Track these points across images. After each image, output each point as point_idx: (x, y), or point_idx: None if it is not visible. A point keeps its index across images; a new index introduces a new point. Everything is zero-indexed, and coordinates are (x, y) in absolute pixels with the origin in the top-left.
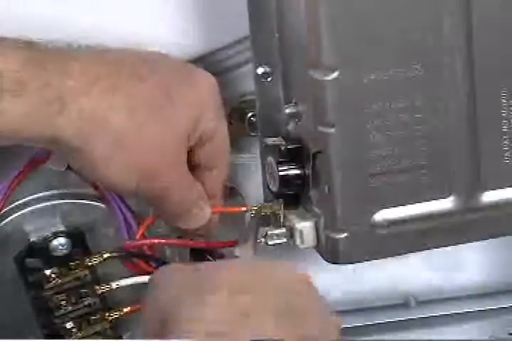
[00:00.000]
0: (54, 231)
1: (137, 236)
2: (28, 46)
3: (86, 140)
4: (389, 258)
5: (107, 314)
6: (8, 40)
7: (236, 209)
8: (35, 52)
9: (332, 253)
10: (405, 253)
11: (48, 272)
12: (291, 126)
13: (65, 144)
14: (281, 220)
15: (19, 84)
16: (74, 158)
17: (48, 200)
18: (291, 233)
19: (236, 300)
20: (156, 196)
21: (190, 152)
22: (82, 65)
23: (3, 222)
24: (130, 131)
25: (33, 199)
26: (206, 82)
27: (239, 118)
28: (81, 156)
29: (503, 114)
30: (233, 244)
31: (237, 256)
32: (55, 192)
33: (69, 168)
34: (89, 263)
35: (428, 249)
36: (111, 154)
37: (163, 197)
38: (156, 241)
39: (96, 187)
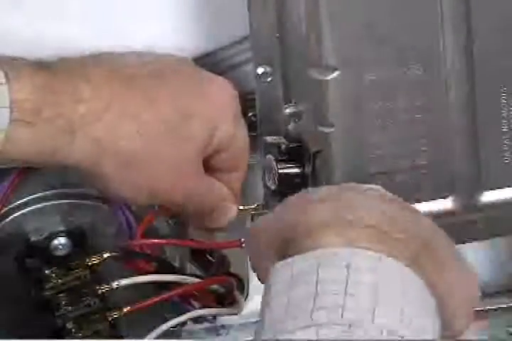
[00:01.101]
0: (54, 231)
1: (138, 234)
2: (39, 67)
3: (97, 164)
4: None
5: (107, 314)
6: (19, 60)
7: None
8: (47, 76)
9: None
10: None
11: (48, 272)
12: (291, 126)
13: (75, 167)
14: None
15: (32, 114)
16: (85, 177)
17: (48, 200)
18: None
19: None
20: (176, 205)
21: (210, 157)
22: (94, 88)
23: (4, 222)
24: (142, 154)
25: (33, 199)
26: (220, 91)
27: None
28: (91, 177)
29: (503, 114)
30: (234, 244)
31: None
32: (55, 192)
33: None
34: (90, 263)
35: None
36: (122, 176)
37: (184, 205)
38: (156, 241)
39: None
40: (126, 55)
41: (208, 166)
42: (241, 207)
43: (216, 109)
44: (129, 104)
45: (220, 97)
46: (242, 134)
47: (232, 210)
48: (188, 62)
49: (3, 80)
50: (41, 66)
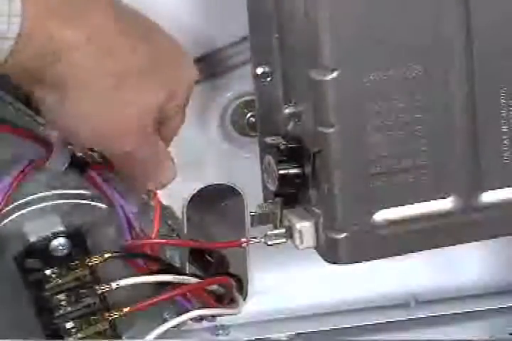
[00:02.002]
0: (54, 231)
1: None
2: None
3: (65, 76)
4: (389, 258)
5: (106, 314)
6: None
7: None
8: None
9: (332, 254)
10: (405, 254)
11: (48, 272)
12: (290, 126)
13: (49, 80)
14: (279, 219)
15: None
16: (45, 92)
17: (48, 200)
18: (290, 233)
19: None
20: (121, 155)
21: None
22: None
23: (3, 222)
24: (110, 93)
25: (32, 200)
26: (189, 71)
27: None
28: (53, 91)
29: (503, 114)
30: (233, 244)
31: None
32: (54, 192)
33: (69, 168)
34: (90, 264)
35: (428, 249)
36: (84, 109)
37: (130, 156)
38: (157, 241)
39: (97, 187)
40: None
41: None
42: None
43: (179, 83)
44: (113, 43)
45: (186, 76)
46: (181, 119)
47: (173, 169)
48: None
49: None
50: None
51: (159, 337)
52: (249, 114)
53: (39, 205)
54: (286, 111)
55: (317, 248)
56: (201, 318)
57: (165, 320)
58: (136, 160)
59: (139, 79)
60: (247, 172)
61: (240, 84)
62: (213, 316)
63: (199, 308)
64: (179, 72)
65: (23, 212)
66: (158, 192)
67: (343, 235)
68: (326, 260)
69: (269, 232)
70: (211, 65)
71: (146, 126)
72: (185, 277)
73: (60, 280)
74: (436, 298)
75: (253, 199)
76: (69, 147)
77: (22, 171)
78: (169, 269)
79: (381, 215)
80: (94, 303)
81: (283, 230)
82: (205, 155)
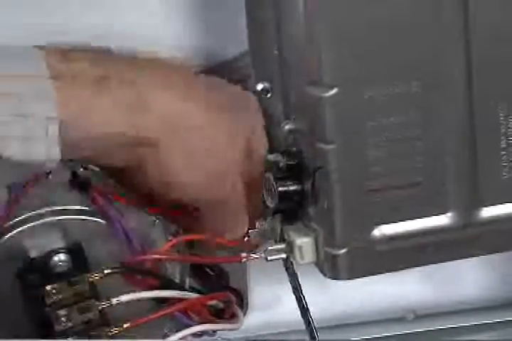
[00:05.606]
0: (54, 247)
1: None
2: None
3: (167, 134)
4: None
5: (107, 329)
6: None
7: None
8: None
9: (331, 269)
10: (404, 269)
11: (48, 288)
12: (290, 142)
13: (146, 137)
14: (278, 235)
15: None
16: (149, 152)
17: (48, 216)
18: (290, 248)
19: None
20: (217, 199)
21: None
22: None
23: (4, 239)
24: (206, 132)
25: (33, 216)
26: (255, 101)
27: None
28: (158, 149)
29: (502, 130)
30: (233, 259)
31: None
32: (55, 208)
33: (69, 184)
34: (90, 279)
35: (427, 264)
36: (189, 152)
37: (223, 200)
38: (157, 256)
39: (96, 203)
40: None
41: None
42: None
43: (254, 115)
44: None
45: (257, 110)
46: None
47: (245, 222)
48: None
49: None
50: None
51: None
52: None
53: (39, 222)
54: (286, 127)
55: (317, 263)
56: (202, 333)
57: (165, 335)
58: (226, 206)
59: (228, 114)
60: None
61: None
62: (214, 331)
63: (200, 323)
64: (250, 110)
65: (23, 228)
66: None
67: (342, 251)
68: (325, 275)
69: (268, 248)
70: None
71: (241, 161)
72: (186, 293)
73: (60, 296)
74: (434, 311)
75: None
76: (69, 163)
77: (23, 187)
78: (169, 284)
79: (380, 231)
80: (95, 319)
81: (283, 246)
82: None
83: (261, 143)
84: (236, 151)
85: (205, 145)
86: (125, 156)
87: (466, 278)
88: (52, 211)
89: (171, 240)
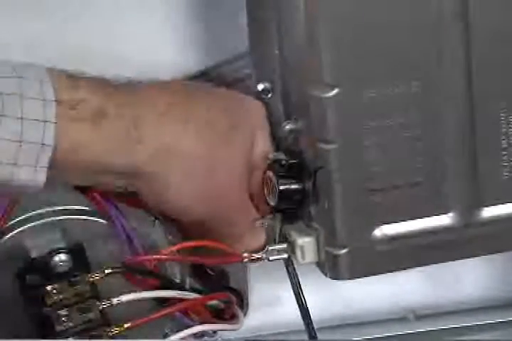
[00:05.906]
0: (55, 247)
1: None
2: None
3: (162, 165)
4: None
5: (107, 329)
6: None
7: None
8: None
9: (332, 269)
10: (406, 269)
11: (48, 288)
12: (291, 142)
13: (141, 170)
14: (278, 234)
15: (99, 113)
16: (145, 183)
17: (49, 217)
18: (292, 248)
19: None
20: (221, 220)
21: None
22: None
23: (4, 238)
24: (202, 157)
25: (33, 216)
26: (256, 105)
27: None
28: (154, 181)
29: (502, 130)
30: (234, 259)
31: None
32: (55, 208)
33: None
34: (90, 279)
35: (428, 264)
36: (184, 179)
37: (227, 220)
38: (158, 257)
39: (97, 203)
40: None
41: None
42: None
43: (255, 123)
44: (189, 109)
45: (256, 112)
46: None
47: (263, 235)
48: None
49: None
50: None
51: None
52: None
53: (39, 222)
54: (287, 127)
55: (318, 263)
56: (202, 334)
57: (166, 335)
58: (232, 223)
59: (222, 136)
60: None
61: None
62: (214, 331)
63: (200, 323)
64: (249, 119)
65: (23, 228)
66: None
67: (343, 251)
68: (326, 275)
69: (270, 248)
70: (210, 81)
71: (243, 181)
72: (186, 293)
73: (61, 296)
74: (435, 311)
75: None
76: None
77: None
78: (170, 284)
79: (381, 231)
80: (95, 319)
81: (284, 245)
82: None
83: (263, 152)
84: (236, 176)
85: (203, 170)
86: (122, 185)
87: (467, 278)
88: (52, 211)
89: (174, 243)
